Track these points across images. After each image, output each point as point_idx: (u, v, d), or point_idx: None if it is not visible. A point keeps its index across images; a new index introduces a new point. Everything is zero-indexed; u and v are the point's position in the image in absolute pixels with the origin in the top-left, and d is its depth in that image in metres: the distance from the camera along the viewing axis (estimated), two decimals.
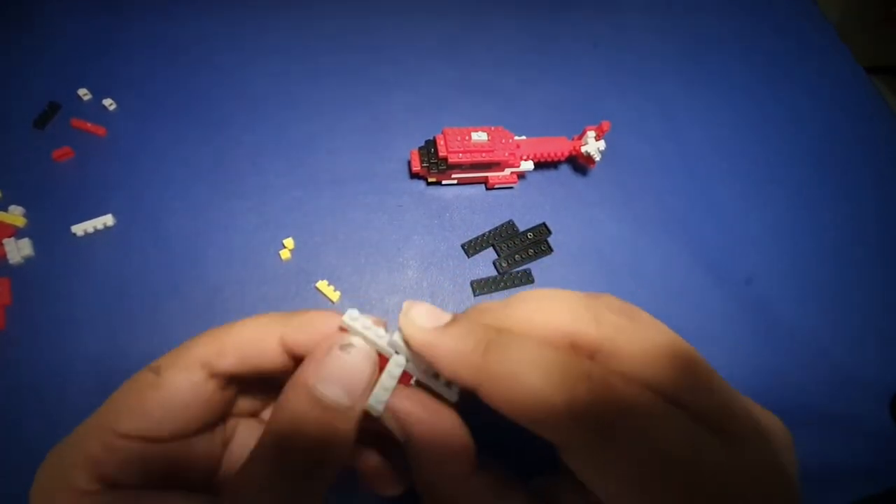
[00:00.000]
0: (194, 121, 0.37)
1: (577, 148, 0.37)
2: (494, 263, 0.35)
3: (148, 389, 0.16)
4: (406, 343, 0.16)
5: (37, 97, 0.37)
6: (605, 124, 0.36)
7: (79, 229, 0.32)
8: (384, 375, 0.16)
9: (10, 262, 0.31)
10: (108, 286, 0.31)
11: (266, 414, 0.21)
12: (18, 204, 0.33)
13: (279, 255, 0.33)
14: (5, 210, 0.33)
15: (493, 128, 0.35)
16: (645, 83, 0.45)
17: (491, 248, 0.35)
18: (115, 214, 0.33)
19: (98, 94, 0.37)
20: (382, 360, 0.17)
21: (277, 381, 0.17)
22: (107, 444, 0.15)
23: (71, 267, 0.32)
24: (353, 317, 0.17)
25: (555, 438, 0.14)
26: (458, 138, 0.34)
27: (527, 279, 0.34)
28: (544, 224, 0.36)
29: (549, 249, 0.35)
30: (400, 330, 0.16)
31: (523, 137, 0.37)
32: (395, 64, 0.42)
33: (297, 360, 0.17)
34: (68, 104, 0.37)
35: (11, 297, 0.30)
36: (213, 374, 0.16)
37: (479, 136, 0.34)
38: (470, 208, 0.37)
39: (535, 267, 0.35)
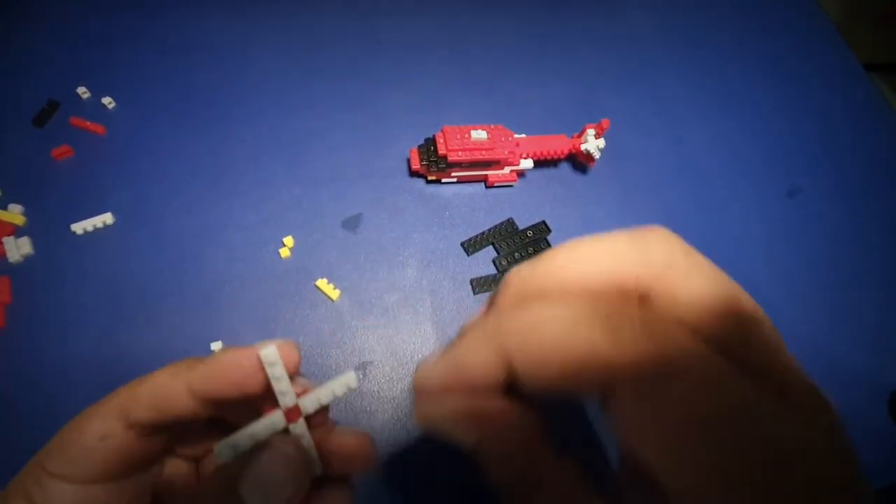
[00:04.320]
0: (193, 119, 0.37)
1: (577, 146, 0.37)
2: (494, 262, 0.35)
3: (70, 433, 0.16)
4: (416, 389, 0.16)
5: (36, 95, 0.37)
6: (605, 122, 0.36)
7: (78, 228, 0.32)
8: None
9: (10, 260, 0.31)
10: (107, 284, 0.31)
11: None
12: (18, 202, 0.33)
13: (279, 252, 0.33)
14: (5, 208, 0.33)
15: (492, 126, 0.35)
16: (645, 81, 0.45)
17: (491, 247, 0.35)
18: (114, 213, 0.33)
19: (97, 93, 0.37)
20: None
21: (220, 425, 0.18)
22: (37, 479, 0.16)
23: (70, 265, 0.32)
24: (269, 361, 0.16)
25: (599, 390, 0.13)
26: (458, 136, 0.34)
27: None
28: (544, 222, 0.36)
29: (549, 247, 0.35)
30: (415, 383, 0.16)
31: (523, 135, 0.37)
32: (394, 62, 0.42)
33: (213, 405, 0.16)
34: (67, 102, 0.37)
35: (11, 296, 0.31)
36: (131, 424, 0.16)
37: (479, 135, 0.34)
38: (469, 206, 0.37)
39: None
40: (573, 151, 0.37)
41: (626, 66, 0.45)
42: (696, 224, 0.38)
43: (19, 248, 0.31)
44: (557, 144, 0.37)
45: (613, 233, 0.15)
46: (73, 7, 0.41)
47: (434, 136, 0.35)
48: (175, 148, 0.36)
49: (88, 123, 0.36)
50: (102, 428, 0.16)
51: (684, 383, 0.12)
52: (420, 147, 0.35)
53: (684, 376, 0.12)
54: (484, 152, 0.34)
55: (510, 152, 0.35)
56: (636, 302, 0.14)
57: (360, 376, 0.31)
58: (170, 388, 0.16)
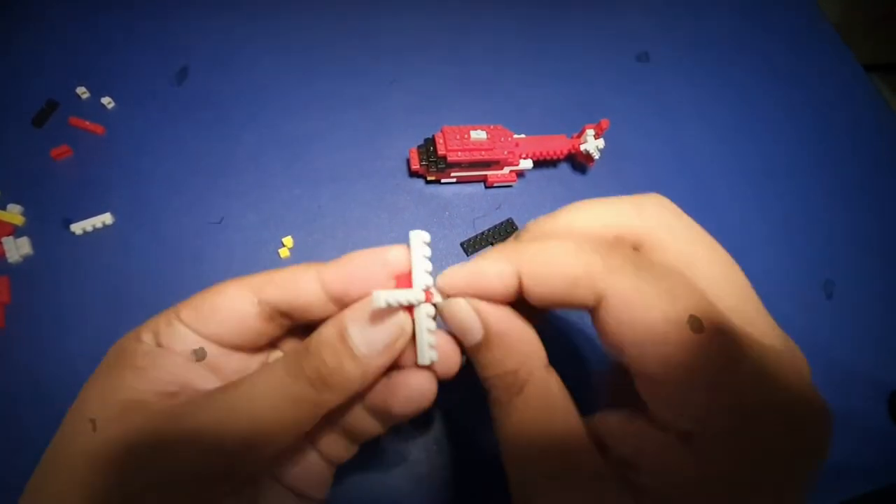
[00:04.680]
0: (193, 119, 0.37)
1: (577, 146, 0.37)
2: None
3: (208, 294, 0.19)
4: (443, 291, 0.18)
5: (35, 95, 0.37)
6: (605, 122, 0.36)
7: (77, 228, 0.32)
8: (423, 332, 0.17)
9: (9, 260, 0.31)
10: (107, 284, 0.31)
11: None
12: (17, 202, 0.33)
13: (278, 253, 0.33)
14: (4, 208, 0.32)
15: (492, 126, 0.35)
16: (644, 81, 0.45)
17: (490, 247, 0.35)
18: (113, 213, 0.33)
19: (96, 93, 0.37)
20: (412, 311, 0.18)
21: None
22: (168, 320, 0.18)
23: (70, 265, 0.32)
24: (424, 240, 0.18)
25: (591, 298, 0.15)
26: (458, 137, 0.34)
27: None
28: None
29: None
30: (437, 286, 0.18)
31: (522, 136, 0.37)
32: (394, 62, 0.42)
33: (339, 305, 0.18)
34: (67, 102, 0.37)
35: (10, 296, 0.30)
36: (261, 302, 0.18)
37: (479, 135, 0.34)
38: (469, 207, 0.37)
39: None
40: (572, 152, 0.37)
41: (625, 67, 0.45)
42: None
43: (18, 249, 0.31)
44: (557, 145, 0.37)
45: (614, 197, 0.19)
46: (73, 7, 0.41)
47: (433, 136, 0.35)
48: (174, 148, 0.36)
49: (88, 123, 0.36)
50: (237, 296, 0.18)
51: (662, 288, 0.15)
52: (419, 147, 0.35)
53: (662, 282, 0.15)
54: (483, 152, 0.34)
55: (510, 152, 0.35)
56: (629, 246, 0.18)
57: None
58: (302, 278, 0.18)
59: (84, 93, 0.37)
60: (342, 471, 0.27)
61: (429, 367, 0.18)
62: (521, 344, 0.17)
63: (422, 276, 0.18)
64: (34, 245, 0.32)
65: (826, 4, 0.54)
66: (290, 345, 0.21)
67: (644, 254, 0.17)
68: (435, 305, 0.18)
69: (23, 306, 0.30)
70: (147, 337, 0.18)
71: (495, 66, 0.43)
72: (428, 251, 0.18)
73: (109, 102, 0.37)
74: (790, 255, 0.39)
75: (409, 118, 0.39)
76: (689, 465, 0.14)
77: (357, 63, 0.42)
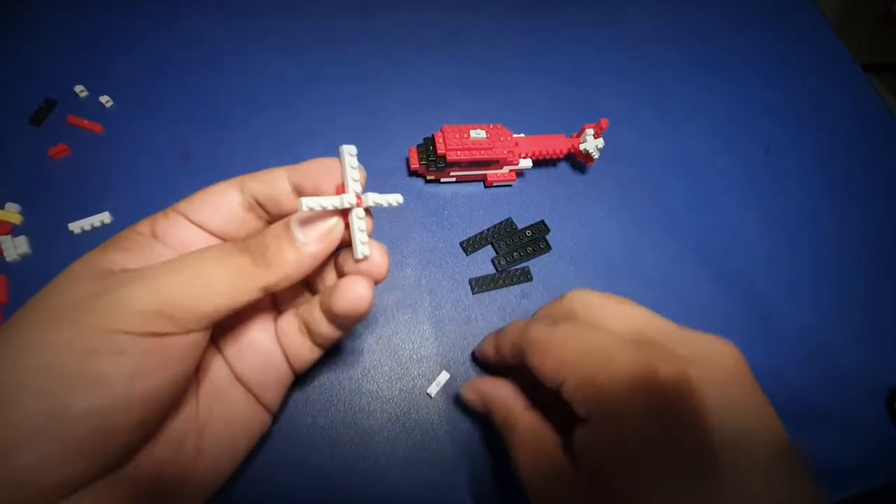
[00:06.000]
0: (191, 118, 0.37)
1: (576, 146, 0.37)
2: (493, 261, 0.35)
3: (205, 192, 0.22)
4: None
5: (33, 94, 0.36)
6: (604, 122, 0.36)
7: (76, 227, 0.32)
8: (356, 232, 0.21)
9: (7, 259, 0.31)
10: None
11: None
12: (15, 201, 0.33)
13: None
14: (2, 207, 0.32)
15: (491, 125, 0.35)
16: (643, 81, 0.45)
17: (489, 246, 0.35)
18: (112, 212, 0.33)
19: (95, 91, 0.37)
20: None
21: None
22: (166, 213, 0.22)
23: (68, 264, 0.32)
24: (350, 153, 0.22)
25: (518, 352, 0.24)
26: (457, 136, 0.34)
27: (525, 277, 0.34)
28: (543, 222, 0.36)
29: (548, 247, 0.35)
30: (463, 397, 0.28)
31: (522, 135, 0.37)
32: (393, 61, 0.42)
33: (298, 189, 0.22)
34: (65, 101, 0.37)
35: (8, 296, 0.30)
36: (244, 192, 0.22)
37: (478, 134, 0.34)
38: (468, 206, 0.37)
39: (533, 265, 0.35)
40: (572, 151, 0.37)
41: (625, 66, 0.45)
42: (694, 223, 0.39)
43: (16, 248, 0.31)
44: (556, 144, 0.37)
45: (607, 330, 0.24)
46: (72, 5, 0.41)
47: (433, 135, 0.34)
48: (173, 147, 0.36)
49: (86, 122, 0.36)
50: (225, 188, 0.22)
51: (569, 332, 0.23)
52: (419, 146, 0.35)
53: (571, 326, 0.24)
54: (483, 152, 0.34)
55: (509, 152, 0.35)
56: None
57: (359, 377, 0.31)
58: (277, 174, 0.22)
59: (82, 91, 0.37)
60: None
61: (362, 261, 0.22)
62: (504, 400, 0.26)
63: (352, 184, 0.21)
64: (32, 244, 0.32)
65: (824, 4, 0.54)
66: None
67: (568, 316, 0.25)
68: (366, 209, 0.21)
69: (21, 306, 0.30)
70: (144, 228, 0.21)
71: (495, 66, 0.43)
72: (355, 162, 0.21)
73: (108, 101, 0.37)
74: (789, 253, 0.39)
75: (408, 117, 0.39)
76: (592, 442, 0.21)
77: (356, 62, 0.42)
